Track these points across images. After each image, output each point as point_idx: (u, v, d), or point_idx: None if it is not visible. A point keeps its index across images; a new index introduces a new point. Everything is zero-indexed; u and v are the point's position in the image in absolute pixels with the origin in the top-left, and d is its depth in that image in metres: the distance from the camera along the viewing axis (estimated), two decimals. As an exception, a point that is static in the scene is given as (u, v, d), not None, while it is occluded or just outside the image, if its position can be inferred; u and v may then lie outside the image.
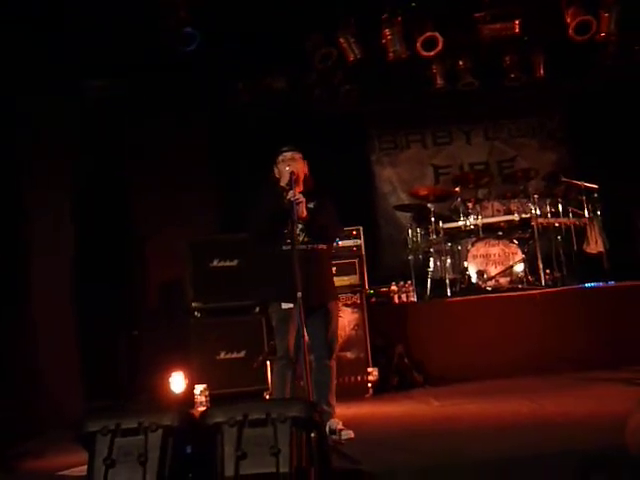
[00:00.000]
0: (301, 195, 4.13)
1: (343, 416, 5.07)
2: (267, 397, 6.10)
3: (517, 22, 7.75)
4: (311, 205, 4.21)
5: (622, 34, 7.72)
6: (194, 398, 5.96)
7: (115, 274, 6.93)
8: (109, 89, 6.96)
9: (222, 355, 6.21)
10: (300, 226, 4.16)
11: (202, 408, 5.85)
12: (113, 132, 7.28)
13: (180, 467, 2.35)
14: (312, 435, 2.47)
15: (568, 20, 7.47)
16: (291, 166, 4.25)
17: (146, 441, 2.31)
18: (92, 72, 6.83)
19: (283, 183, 4.25)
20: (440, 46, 7.58)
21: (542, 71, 8.57)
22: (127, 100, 7.23)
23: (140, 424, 2.33)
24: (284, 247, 4.16)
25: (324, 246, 4.34)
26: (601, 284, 7.01)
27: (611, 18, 7.50)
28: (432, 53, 7.69)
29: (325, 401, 4.20)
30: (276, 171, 4.41)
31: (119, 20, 6.35)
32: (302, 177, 4.28)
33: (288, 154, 4.35)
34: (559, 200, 7.63)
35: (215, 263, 6.40)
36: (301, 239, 4.14)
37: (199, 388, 5.95)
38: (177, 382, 6.22)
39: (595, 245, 7.55)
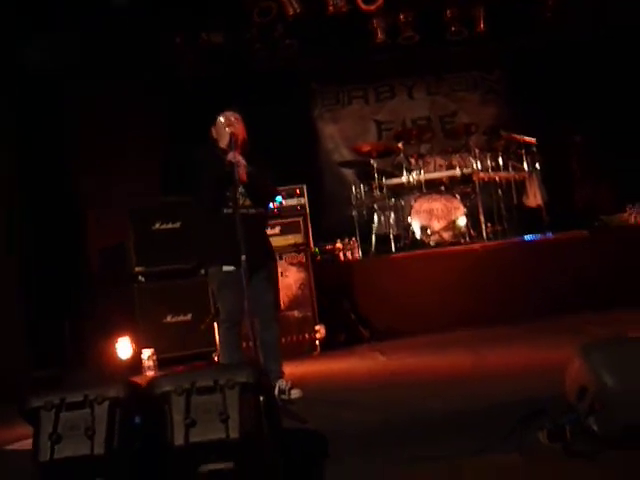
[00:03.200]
0: (242, 158, 4.06)
1: (292, 374, 5.11)
2: (215, 358, 6.12)
3: (457, -25, 7.72)
4: (249, 168, 4.13)
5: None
6: (142, 363, 5.92)
7: (56, 242, 6.74)
8: (45, 51, 6.64)
9: (168, 318, 6.18)
10: (241, 189, 4.09)
11: (150, 372, 5.84)
12: (47, 96, 6.98)
13: (129, 438, 2.32)
14: (261, 399, 2.47)
15: (508, -28, 7.47)
16: (231, 127, 4.16)
17: (92, 414, 2.27)
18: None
19: (223, 145, 4.15)
20: (381, 0, 7.49)
21: (482, 25, 8.61)
22: (63, 61, 6.93)
23: (85, 397, 2.28)
24: (225, 210, 4.09)
25: (262, 209, 4.34)
26: (540, 236, 7.20)
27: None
28: (372, 7, 7.62)
29: (274, 361, 4.22)
30: (214, 132, 4.31)
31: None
32: (241, 139, 4.20)
33: (230, 115, 4.25)
34: (499, 154, 7.74)
35: (157, 226, 6.31)
36: (242, 202, 4.08)
37: (146, 353, 5.92)
38: (124, 348, 6.17)
39: (534, 198, 7.74)
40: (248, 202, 4.16)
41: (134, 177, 7.24)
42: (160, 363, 5.97)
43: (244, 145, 4.22)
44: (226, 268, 4.12)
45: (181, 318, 6.23)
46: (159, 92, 8.12)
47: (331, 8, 7.63)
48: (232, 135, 4.10)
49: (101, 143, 7.23)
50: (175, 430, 2.29)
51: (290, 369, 5.32)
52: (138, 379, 5.23)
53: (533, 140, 7.75)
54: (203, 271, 6.32)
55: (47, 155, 6.87)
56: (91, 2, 6.60)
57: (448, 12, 8.55)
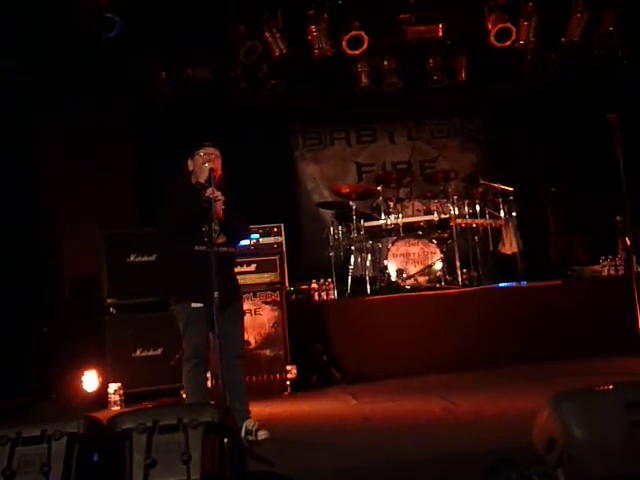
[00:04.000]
0: (220, 193, 4.06)
1: (261, 414, 5.05)
2: (184, 395, 6.01)
3: (441, 26, 7.90)
4: (225, 205, 4.14)
5: (540, 43, 7.98)
6: (108, 397, 5.79)
7: (26, 267, 6.64)
8: (21, 74, 6.64)
9: (138, 352, 6.07)
10: (215, 226, 4.06)
11: (116, 407, 5.72)
12: (26, 119, 6.96)
13: (86, 477, 2.25)
14: (225, 440, 2.42)
15: (489, 27, 7.66)
16: (211, 163, 4.16)
17: (49, 450, 2.21)
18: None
19: (202, 179, 4.12)
20: (365, 45, 7.62)
21: (464, 75, 8.78)
22: (43, 87, 6.94)
23: (43, 432, 2.22)
24: (197, 247, 4.03)
25: (234, 248, 4.34)
26: (514, 284, 7.25)
27: (530, 27, 7.74)
28: (357, 52, 7.72)
29: (240, 400, 4.14)
30: (190, 164, 4.28)
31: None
32: (218, 175, 4.20)
33: (210, 150, 4.25)
34: (477, 201, 7.83)
35: (132, 258, 6.25)
36: (215, 239, 4.03)
37: (113, 387, 5.79)
38: (90, 381, 6.03)
39: (510, 246, 7.81)
40: (222, 239, 4.14)
41: (109, 206, 7.19)
42: (127, 398, 5.84)
43: (220, 181, 4.22)
44: (195, 305, 4.05)
45: (151, 353, 6.13)
46: (139, 122, 8.13)
47: (316, 51, 7.71)
48: (211, 171, 4.09)
49: (74, 169, 7.19)
50: (134, 470, 2.23)
51: (259, 409, 5.26)
52: (103, 414, 5.14)
53: (510, 189, 7.87)
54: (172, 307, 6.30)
55: (17, 175, 6.81)
56: (79, 31, 6.62)
57: (431, 61, 8.71)
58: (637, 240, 5.53)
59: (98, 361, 6.11)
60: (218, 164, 4.23)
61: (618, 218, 6.73)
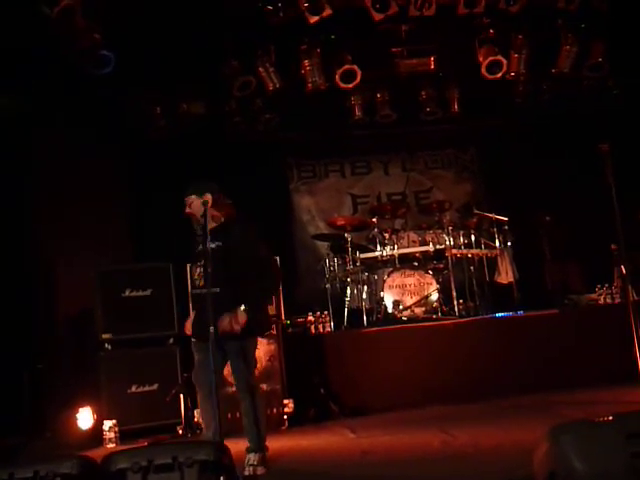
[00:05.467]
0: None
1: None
2: (180, 431, 5.95)
3: (432, 59, 8.02)
4: (213, 245, 4.21)
5: (531, 74, 8.09)
6: (103, 434, 5.72)
7: (19, 303, 6.60)
8: (16, 109, 6.69)
9: (133, 389, 6.02)
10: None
11: (111, 445, 5.64)
12: (18, 147, 6.98)
13: (79, 518, 2.21)
14: (221, 478, 2.39)
15: (481, 59, 7.77)
16: (187, 208, 4.40)
17: (42, 492, 2.17)
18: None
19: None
20: (358, 79, 7.71)
21: (456, 106, 8.88)
22: (40, 124, 6.99)
23: (36, 474, 2.18)
24: (192, 290, 4.53)
25: (232, 290, 4.25)
26: (511, 314, 7.23)
27: (520, 59, 7.86)
28: (350, 85, 7.81)
29: (246, 432, 4.35)
30: None
31: (29, 38, 6.13)
32: (196, 218, 4.35)
33: (186, 197, 4.43)
34: (472, 231, 7.85)
35: (127, 293, 6.22)
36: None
37: (108, 424, 5.72)
38: (85, 418, 5.96)
39: (506, 275, 7.82)
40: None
41: (103, 241, 7.18)
42: (123, 435, 5.77)
43: (213, 217, 4.35)
44: (193, 340, 4.43)
45: (147, 388, 6.07)
46: (134, 157, 8.18)
47: (310, 85, 7.80)
48: (190, 217, 4.37)
49: (69, 203, 7.20)
50: (129, 510, 2.19)
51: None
52: (98, 451, 5.07)
53: (505, 218, 7.90)
54: (172, 340, 6.27)
55: (10, 207, 6.81)
56: (75, 68, 6.68)
57: (423, 93, 8.83)
58: (634, 268, 5.54)
59: (93, 398, 6.05)
60: (195, 208, 4.35)
61: (613, 246, 6.75)
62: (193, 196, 4.38)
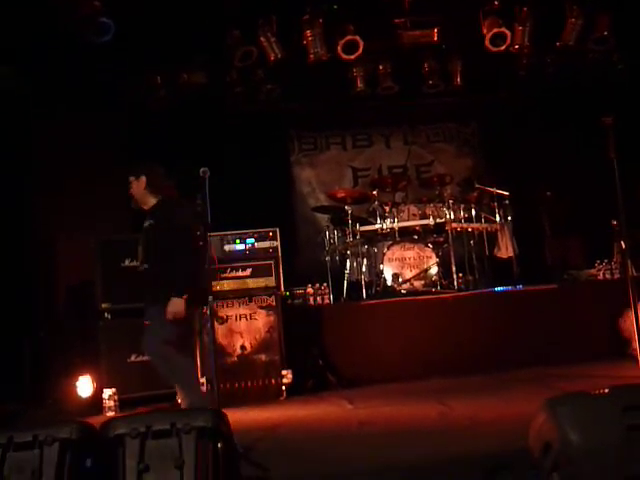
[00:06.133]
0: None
1: (256, 419, 5.04)
2: (179, 400, 5.99)
3: (436, 30, 7.93)
4: (147, 224, 4.58)
5: (535, 47, 8.00)
6: (102, 403, 5.76)
7: (20, 273, 6.61)
8: (15, 78, 6.62)
9: (133, 358, 6.04)
10: None
11: (111, 413, 5.69)
12: (18, 126, 6.94)
13: (79, 482, 2.23)
14: (219, 445, 2.40)
15: (484, 31, 7.68)
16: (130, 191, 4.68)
17: (41, 455, 2.18)
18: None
19: None
20: (360, 50, 7.63)
21: (459, 79, 8.80)
22: (35, 92, 6.91)
23: (35, 437, 2.19)
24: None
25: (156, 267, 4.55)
26: (510, 288, 7.24)
27: (525, 31, 7.76)
28: (352, 57, 7.73)
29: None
30: None
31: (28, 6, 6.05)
32: (135, 198, 4.65)
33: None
34: (472, 206, 7.83)
35: (126, 263, 6.22)
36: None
37: (107, 392, 5.76)
38: (85, 386, 6.00)
39: (505, 250, 7.81)
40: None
41: (103, 212, 7.17)
42: (122, 403, 5.81)
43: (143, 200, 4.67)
44: None
45: (146, 357, 6.06)
46: (134, 128, 8.12)
47: (312, 56, 7.71)
48: (130, 195, 4.70)
49: (69, 175, 7.18)
50: (127, 475, 2.21)
51: (255, 414, 5.26)
52: (98, 419, 5.11)
53: (506, 193, 7.87)
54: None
55: (10, 181, 6.79)
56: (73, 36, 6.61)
57: (426, 65, 8.74)
58: (634, 243, 5.53)
59: (93, 366, 6.08)
60: (134, 190, 4.66)
61: (613, 222, 6.73)
62: (131, 177, 4.64)
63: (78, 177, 7.17)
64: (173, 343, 4.47)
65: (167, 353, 4.48)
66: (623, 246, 5.23)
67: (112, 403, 5.75)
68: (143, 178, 4.60)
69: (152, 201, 4.66)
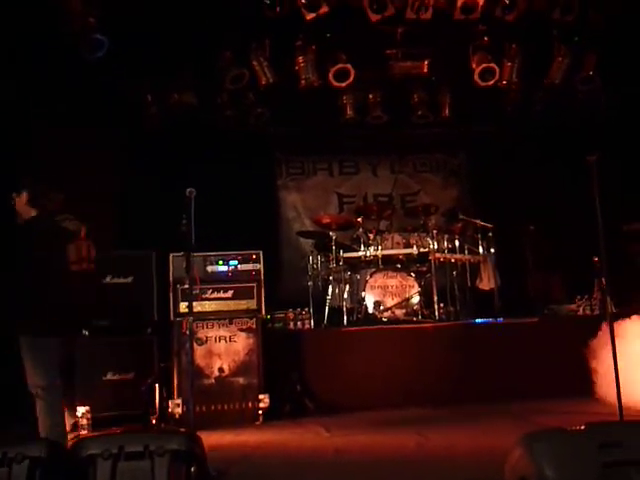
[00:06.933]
0: None
1: (231, 443, 4.98)
2: (154, 421, 5.91)
3: (426, 62, 8.03)
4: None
5: (523, 84, 8.13)
6: (75, 420, 5.66)
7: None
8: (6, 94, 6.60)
9: (109, 376, 5.96)
10: None
11: (83, 431, 5.59)
12: (9, 135, 6.90)
13: (46, 502, 2.19)
14: (192, 469, 2.37)
15: (474, 66, 7.80)
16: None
17: (9, 474, 2.14)
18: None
19: None
20: (351, 78, 7.72)
21: (448, 111, 8.91)
22: (29, 106, 6.90)
23: (4, 455, 2.15)
24: None
25: None
26: (491, 320, 7.26)
27: (513, 68, 7.90)
28: (343, 84, 7.82)
29: None
30: None
31: (21, 20, 6.06)
32: (19, 213, 4.53)
33: None
34: (456, 236, 7.87)
35: (108, 279, 6.17)
36: None
37: (81, 410, 5.67)
38: (58, 403, 5.88)
39: (487, 282, 7.85)
40: None
41: (91, 224, 7.11)
42: (95, 422, 5.72)
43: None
44: None
45: (122, 376, 6.02)
46: (122, 146, 8.12)
47: (303, 82, 7.79)
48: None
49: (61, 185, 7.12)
50: (97, 497, 2.17)
51: (231, 437, 5.20)
52: (70, 436, 5.01)
53: (489, 225, 7.93)
54: (150, 329, 6.24)
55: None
56: (67, 52, 6.62)
57: (415, 96, 8.84)
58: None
59: (68, 383, 5.98)
60: (17, 206, 4.54)
61: (595, 259, 6.80)
62: (14, 194, 4.58)
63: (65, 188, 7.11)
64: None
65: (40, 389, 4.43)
66: (603, 283, 5.27)
67: (85, 421, 5.66)
68: (24, 194, 4.52)
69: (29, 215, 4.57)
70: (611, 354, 4.59)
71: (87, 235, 4.93)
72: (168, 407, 5.85)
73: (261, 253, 6.41)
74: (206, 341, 5.99)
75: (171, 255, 6.19)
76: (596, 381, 5.78)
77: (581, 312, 7.37)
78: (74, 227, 4.66)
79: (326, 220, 7.94)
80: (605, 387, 5.46)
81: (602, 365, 5.56)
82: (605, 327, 5.25)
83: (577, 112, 8.73)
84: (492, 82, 7.84)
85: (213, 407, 5.85)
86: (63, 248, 4.52)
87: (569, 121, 8.90)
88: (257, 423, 5.88)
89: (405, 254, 7.66)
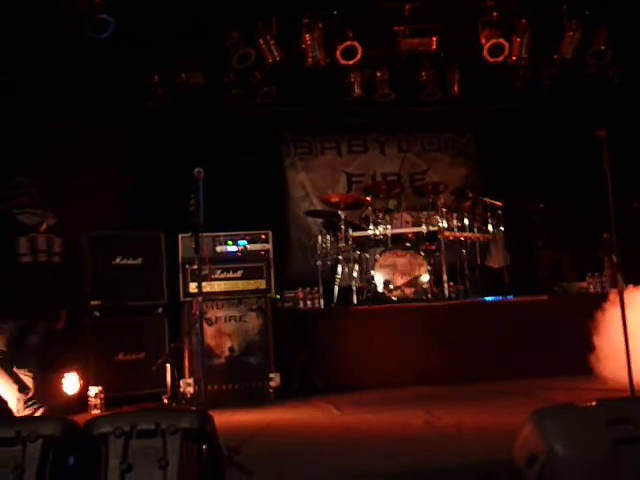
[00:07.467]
0: None
1: (242, 422, 5.03)
2: (165, 401, 5.97)
3: (434, 39, 7.95)
4: None
5: (532, 59, 8.03)
6: (88, 400, 5.73)
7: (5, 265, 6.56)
8: (4, 74, 6.59)
9: (120, 356, 6.03)
10: None
11: (96, 411, 5.66)
12: (17, 118, 6.91)
13: (61, 480, 2.22)
14: (204, 447, 2.39)
15: (483, 42, 7.71)
16: None
17: (24, 452, 2.16)
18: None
19: None
20: (359, 56, 7.65)
21: (456, 88, 8.83)
22: (33, 88, 6.89)
23: (18, 434, 2.17)
24: None
25: None
26: (501, 298, 7.25)
27: (522, 43, 7.80)
28: (351, 62, 7.75)
29: None
30: None
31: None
32: None
33: None
34: (465, 215, 7.84)
35: (118, 260, 6.20)
36: None
37: (94, 390, 5.73)
38: (71, 383, 5.95)
39: (497, 260, 7.84)
40: None
41: (96, 208, 7.13)
42: (108, 402, 5.78)
43: None
44: None
45: (134, 356, 6.08)
46: (130, 125, 8.10)
47: (310, 60, 7.73)
48: None
49: (61, 169, 7.12)
50: (110, 474, 2.20)
51: (241, 416, 5.24)
52: (83, 417, 5.07)
53: (499, 203, 7.89)
54: (161, 309, 6.28)
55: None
56: (72, 32, 6.59)
57: (423, 74, 8.76)
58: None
59: (80, 364, 6.04)
60: None
61: (605, 235, 6.76)
62: None
63: (70, 169, 7.11)
64: None
65: None
66: (614, 260, 5.24)
67: (98, 401, 5.72)
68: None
69: None
70: (618, 329, 4.57)
71: (50, 229, 4.95)
72: (179, 387, 5.90)
73: (270, 233, 6.42)
74: (216, 321, 6.02)
75: (180, 236, 6.21)
76: (600, 357, 5.77)
77: (592, 289, 7.34)
78: (31, 221, 4.69)
79: (335, 199, 7.92)
80: (611, 363, 5.46)
81: (607, 341, 5.56)
82: (613, 297, 5.23)
83: (587, 88, 8.63)
84: (501, 58, 7.75)
85: (224, 386, 5.90)
86: (13, 241, 4.64)
87: (579, 97, 8.81)
88: (268, 402, 5.92)
89: (414, 233, 7.64)
